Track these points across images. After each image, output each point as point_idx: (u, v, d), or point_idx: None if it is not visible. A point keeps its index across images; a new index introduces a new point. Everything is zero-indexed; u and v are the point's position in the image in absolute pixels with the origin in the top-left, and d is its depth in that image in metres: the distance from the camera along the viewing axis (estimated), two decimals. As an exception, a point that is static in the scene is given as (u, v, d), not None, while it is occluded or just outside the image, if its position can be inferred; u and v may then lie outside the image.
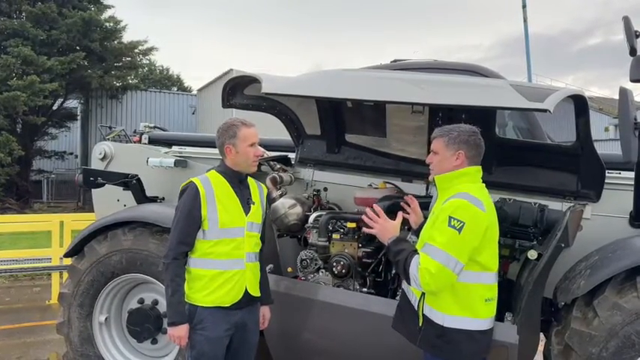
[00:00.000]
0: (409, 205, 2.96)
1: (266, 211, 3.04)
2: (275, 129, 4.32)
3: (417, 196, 3.38)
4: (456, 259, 2.33)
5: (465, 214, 2.34)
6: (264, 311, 3.02)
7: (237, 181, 2.83)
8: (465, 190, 2.42)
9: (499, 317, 2.91)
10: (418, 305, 2.51)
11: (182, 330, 2.66)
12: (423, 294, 2.49)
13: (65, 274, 5.11)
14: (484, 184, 2.59)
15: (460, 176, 2.50)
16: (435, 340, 2.46)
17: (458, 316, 2.43)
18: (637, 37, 3.05)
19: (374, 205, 2.79)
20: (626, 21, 3.04)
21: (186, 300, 2.72)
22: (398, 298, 3.15)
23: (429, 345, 2.49)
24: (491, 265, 2.48)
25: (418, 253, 2.40)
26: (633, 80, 3.15)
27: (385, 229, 2.58)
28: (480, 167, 2.56)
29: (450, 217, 2.33)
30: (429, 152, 2.66)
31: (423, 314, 2.49)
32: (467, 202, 2.36)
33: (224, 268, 2.72)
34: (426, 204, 3.10)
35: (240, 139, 2.76)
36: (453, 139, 2.50)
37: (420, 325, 2.50)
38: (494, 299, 2.54)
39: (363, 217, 2.69)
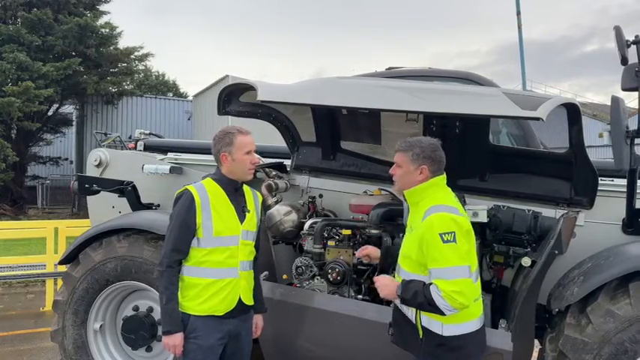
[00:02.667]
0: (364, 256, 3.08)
1: (261, 219, 3.03)
2: (270, 136, 4.33)
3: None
4: (466, 267, 2.39)
5: (451, 224, 2.39)
6: (257, 320, 3.01)
7: (233, 189, 2.82)
8: (438, 203, 2.47)
9: (494, 324, 2.93)
10: (416, 318, 2.52)
11: (177, 339, 2.65)
12: None
13: (60, 281, 5.09)
14: (450, 189, 2.63)
15: (428, 188, 2.54)
16: (436, 349, 2.47)
17: (454, 324, 2.45)
18: (628, 46, 3.09)
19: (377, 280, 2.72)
20: (618, 31, 3.08)
21: (179, 309, 2.70)
22: (392, 305, 3.16)
23: (432, 355, 2.49)
24: (474, 263, 2.52)
25: (429, 284, 2.40)
26: (625, 89, 3.19)
27: (385, 285, 2.59)
28: (443, 175, 2.59)
29: (441, 234, 2.37)
30: None
31: (422, 326, 2.50)
32: (447, 214, 2.41)
33: (218, 276, 2.70)
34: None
35: (237, 147, 2.75)
36: (417, 155, 2.53)
37: (421, 337, 2.51)
38: (479, 298, 2.58)
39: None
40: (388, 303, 3.23)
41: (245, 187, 2.92)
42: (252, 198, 2.93)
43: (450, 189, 2.61)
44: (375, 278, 2.67)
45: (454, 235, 2.36)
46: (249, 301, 2.83)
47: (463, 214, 2.50)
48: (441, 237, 2.36)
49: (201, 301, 2.68)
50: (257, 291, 2.95)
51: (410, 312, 2.56)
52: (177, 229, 2.69)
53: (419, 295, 2.40)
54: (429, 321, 2.48)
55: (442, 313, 2.37)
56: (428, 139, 2.61)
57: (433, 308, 2.37)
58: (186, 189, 2.76)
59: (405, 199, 2.66)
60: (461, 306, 2.35)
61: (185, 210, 2.69)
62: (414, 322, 2.53)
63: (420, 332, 2.51)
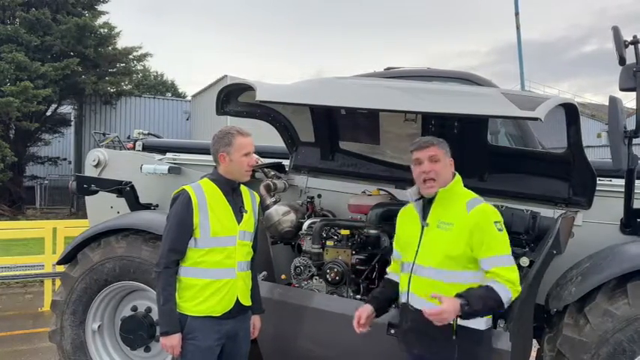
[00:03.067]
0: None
1: (258, 220, 3.02)
2: (268, 136, 4.33)
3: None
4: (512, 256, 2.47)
5: (499, 215, 2.49)
6: (255, 320, 2.99)
7: (230, 189, 2.81)
8: (473, 196, 2.53)
9: (493, 324, 2.93)
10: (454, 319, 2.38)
11: (174, 339, 2.64)
12: None
13: (58, 282, 5.09)
14: None
15: (458, 182, 2.57)
16: (473, 346, 2.43)
17: (488, 317, 2.51)
18: (626, 46, 3.10)
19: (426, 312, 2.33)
20: (616, 31, 3.09)
21: (177, 309, 2.69)
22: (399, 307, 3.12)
23: (469, 353, 2.42)
24: None
25: (485, 285, 2.35)
26: (622, 89, 3.20)
27: (451, 305, 2.28)
28: None
29: (495, 222, 2.43)
30: None
31: (458, 325, 2.38)
32: (488, 204, 2.50)
33: (215, 277, 2.69)
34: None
35: (235, 148, 2.74)
36: (446, 147, 2.57)
37: (454, 337, 2.39)
38: None
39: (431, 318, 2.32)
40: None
41: (242, 188, 2.91)
42: (249, 198, 2.92)
43: None
44: (435, 309, 2.28)
45: (502, 225, 2.45)
46: (246, 301, 2.82)
47: None
48: (494, 224, 2.42)
49: (198, 301, 2.67)
50: (255, 292, 2.94)
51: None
52: (175, 230, 2.69)
53: (489, 300, 2.31)
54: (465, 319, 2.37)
55: (502, 308, 2.37)
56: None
57: (499, 307, 2.36)
58: (184, 189, 2.75)
59: (421, 198, 2.59)
60: (517, 293, 2.39)
61: (182, 210, 2.68)
62: (451, 322, 2.35)
63: (453, 332, 2.38)
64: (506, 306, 2.38)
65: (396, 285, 2.68)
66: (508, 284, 2.35)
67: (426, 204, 2.58)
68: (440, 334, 2.40)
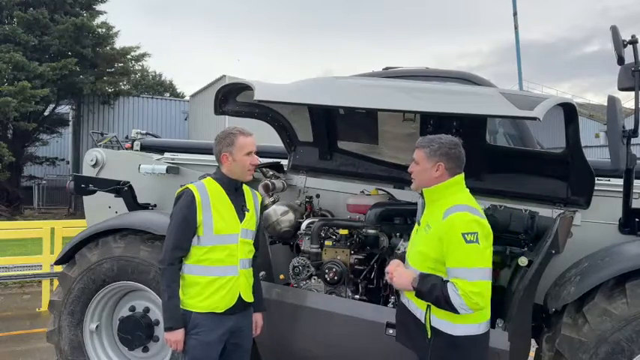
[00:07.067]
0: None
1: (260, 218, 3.05)
2: (267, 135, 4.32)
3: (405, 203, 3.39)
4: (487, 269, 2.38)
5: (474, 225, 2.36)
6: (257, 318, 3.03)
7: (233, 188, 2.86)
8: (459, 202, 2.44)
9: (491, 324, 2.93)
10: (425, 318, 2.48)
11: (179, 334, 2.69)
12: (429, 306, 2.46)
13: (56, 282, 5.07)
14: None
15: (449, 187, 2.52)
16: (446, 350, 2.44)
17: (466, 324, 2.43)
18: (625, 46, 3.10)
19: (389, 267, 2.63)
20: (614, 31, 3.09)
21: (181, 306, 2.73)
22: (390, 305, 3.16)
23: (440, 356, 2.46)
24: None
25: (446, 280, 2.38)
26: (621, 89, 3.20)
27: (400, 275, 2.52)
28: (462, 174, 2.58)
29: (464, 234, 2.33)
30: None
31: (432, 326, 2.46)
32: (469, 215, 2.38)
33: (218, 274, 2.74)
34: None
35: (237, 148, 2.79)
36: (434, 151, 2.51)
37: (429, 337, 2.47)
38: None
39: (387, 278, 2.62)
40: (385, 303, 3.24)
41: (245, 187, 2.96)
42: (251, 197, 2.97)
43: (467, 190, 2.58)
44: (390, 266, 2.58)
45: (477, 236, 2.33)
46: (248, 298, 2.87)
47: (484, 216, 2.46)
48: (463, 237, 2.33)
49: (202, 298, 2.71)
50: (256, 289, 2.98)
51: (419, 311, 2.53)
52: (179, 227, 2.73)
53: (436, 289, 2.36)
54: (439, 321, 2.44)
55: (455, 312, 2.34)
56: (448, 136, 2.58)
57: (447, 306, 2.34)
58: (187, 188, 2.79)
59: (422, 196, 2.63)
60: (477, 307, 2.33)
61: (186, 208, 2.72)
62: (423, 321, 2.48)
63: (429, 332, 2.47)
64: (461, 312, 2.34)
65: None
66: (464, 296, 2.30)
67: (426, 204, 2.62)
68: (417, 332, 2.51)
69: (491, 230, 2.46)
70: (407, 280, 2.48)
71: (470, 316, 2.41)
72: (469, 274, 2.32)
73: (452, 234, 2.35)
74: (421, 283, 2.43)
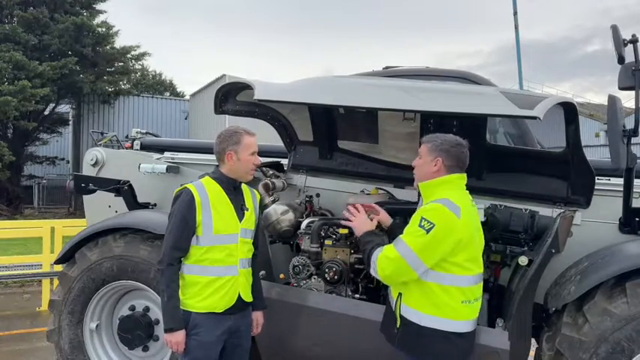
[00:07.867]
0: (376, 213, 3.02)
1: (259, 217, 3.05)
2: (267, 135, 4.32)
3: (408, 202, 3.40)
4: (418, 258, 2.38)
5: (437, 216, 2.38)
6: (257, 316, 3.03)
7: (232, 187, 2.85)
8: (445, 197, 2.46)
9: (491, 323, 2.93)
10: (395, 306, 2.53)
11: (179, 336, 2.67)
12: (400, 294, 2.51)
13: (56, 281, 5.07)
14: (468, 192, 2.61)
15: (442, 183, 2.53)
16: (411, 339, 2.48)
17: (434, 316, 2.44)
18: (625, 45, 3.09)
19: (357, 204, 2.89)
20: (615, 30, 3.09)
21: (180, 306, 2.72)
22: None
23: (406, 345, 2.51)
24: (470, 267, 2.49)
25: (384, 243, 2.51)
26: (622, 88, 3.20)
27: (362, 223, 2.74)
28: (463, 175, 2.58)
29: (422, 218, 2.39)
30: None
31: (400, 315, 2.52)
32: (441, 206, 2.40)
33: (217, 274, 2.73)
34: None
35: (243, 147, 2.79)
36: (435, 146, 2.56)
37: (398, 325, 2.53)
38: (473, 301, 2.54)
39: (344, 212, 2.83)
40: (385, 302, 3.24)
41: (243, 186, 2.95)
42: (250, 197, 2.96)
43: (467, 192, 2.59)
44: (361, 214, 2.78)
45: (432, 227, 2.35)
46: (248, 297, 2.87)
47: (464, 217, 2.42)
48: (420, 220, 2.39)
49: (201, 298, 2.71)
50: (256, 288, 2.98)
51: (392, 299, 2.57)
52: (178, 227, 2.71)
53: (369, 244, 2.56)
54: (407, 309, 2.48)
55: (367, 265, 2.54)
56: (454, 136, 2.63)
57: (367, 262, 2.53)
58: (186, 187, 2.78)
59: (420, 194, 2.66)
60: (382, 272, 2.45)
61: (185, 208, 2.71)
62: (394, 309, 2.53)
63: (398, 321, 2.52)
64: (371, 270, 2.53)
65: None
66: (379, 259, 2.45)
67: None
68: (390, 322, 2.61)
69: (468, 237, 2.44)
70: (363, 228, 2.70)
71: (440, 310, 2.43)
72: (398, 243, 2.43)
73: (416, 215, 2.43)
74: (366, 234, 2.62)
